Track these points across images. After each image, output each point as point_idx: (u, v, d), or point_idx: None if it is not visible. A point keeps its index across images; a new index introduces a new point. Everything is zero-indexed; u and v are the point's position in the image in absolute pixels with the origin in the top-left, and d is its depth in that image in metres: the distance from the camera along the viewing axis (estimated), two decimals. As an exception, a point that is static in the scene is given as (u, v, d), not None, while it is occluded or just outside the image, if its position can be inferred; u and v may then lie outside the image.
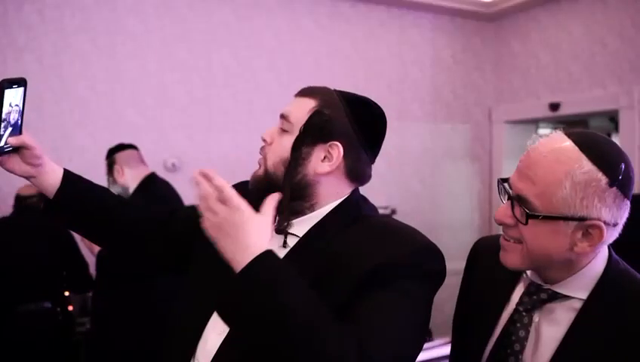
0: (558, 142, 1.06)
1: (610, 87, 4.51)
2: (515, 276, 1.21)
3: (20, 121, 1.21)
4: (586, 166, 1.02)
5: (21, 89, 1.20)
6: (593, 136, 1.08)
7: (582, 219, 1.02)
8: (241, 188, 1.16)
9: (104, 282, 2.87)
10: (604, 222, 1.02)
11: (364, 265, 1.04)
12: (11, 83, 1.17)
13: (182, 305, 1.27)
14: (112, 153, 3.02)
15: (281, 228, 1.17)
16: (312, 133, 1.16)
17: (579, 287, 1.09)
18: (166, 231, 1.36)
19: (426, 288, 1.08)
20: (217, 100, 4.44)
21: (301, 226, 1.17)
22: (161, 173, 3.30)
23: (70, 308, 3.43)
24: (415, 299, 1.05)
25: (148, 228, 1.36)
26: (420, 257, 1.08)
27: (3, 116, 1.16)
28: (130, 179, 2.95)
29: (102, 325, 2.87)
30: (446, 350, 1.76)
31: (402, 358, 1.05)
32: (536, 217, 1.04)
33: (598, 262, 1.10)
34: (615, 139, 8.35)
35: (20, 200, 3.38)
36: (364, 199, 1.25)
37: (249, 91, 4.54)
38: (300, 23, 4.73)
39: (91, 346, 3.02)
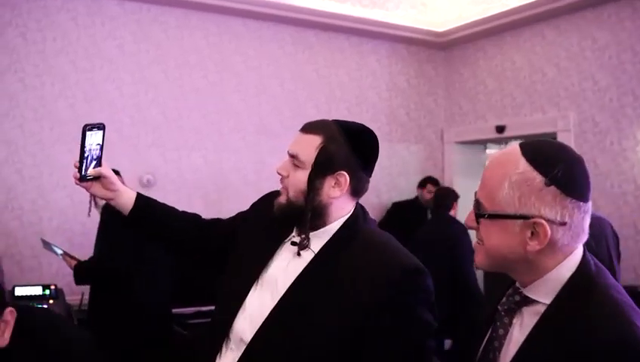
0: (508, 149, 1.13)
1: (549, 112, 4.94)
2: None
3: (100, 156, 1.50)
4: (521, 167, 1.05)
5: (101, 131, 1.49)
6: (539, 141, 1.11)
7: (523, 217, 1.04)
8: (269, 198, 1.52)
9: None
10: (548, 220, 1.03)
11: (372, 287, 1.27)
12: (92, 127, 1.46)
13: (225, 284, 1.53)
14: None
15: (302, 243, 1.39)
16: (322, 168, 1.37)
17: (544, 292, 1.07)
18: (207, 235, 1.66)
19: (424, 308, 1.30)
20: (189, 120, 4.73)
21: (316, 241, 1.39)
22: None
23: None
24: (420, 322, 1.28)
25: (194, 233, 1.67)
26: (415, 279, 1.31)
27: (86, 153, 1.45)
28: None
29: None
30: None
31: None
32: (482, 216, 1.09)
33: (567, 267, 1.07)
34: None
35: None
36: (364, 210, 1.48)
37: (218, 112, 4.84)
38: (266, 48, 5.05)
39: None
